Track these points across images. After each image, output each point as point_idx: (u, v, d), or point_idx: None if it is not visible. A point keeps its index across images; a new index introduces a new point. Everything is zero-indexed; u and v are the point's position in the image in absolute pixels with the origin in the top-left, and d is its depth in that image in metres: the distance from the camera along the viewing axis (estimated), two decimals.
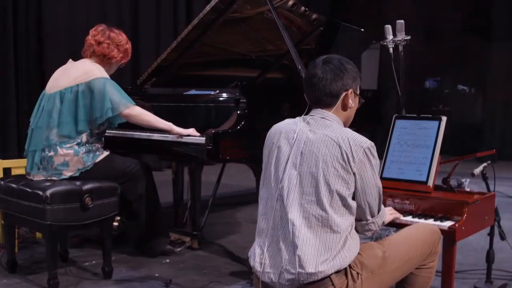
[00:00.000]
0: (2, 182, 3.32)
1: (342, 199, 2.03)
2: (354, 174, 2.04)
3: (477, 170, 2.88)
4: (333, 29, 4.83)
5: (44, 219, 3.02)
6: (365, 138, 2.09)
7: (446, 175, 2.74)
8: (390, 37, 3.98)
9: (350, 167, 2.03)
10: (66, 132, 3.27)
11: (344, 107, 2.20)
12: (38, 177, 3.28)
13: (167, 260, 3.64)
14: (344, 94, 2.17)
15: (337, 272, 2.00)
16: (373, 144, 2.09)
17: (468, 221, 2.47)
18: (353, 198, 2.07)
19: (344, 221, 2.03)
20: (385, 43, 4.01)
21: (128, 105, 3.34)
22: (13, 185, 3.24)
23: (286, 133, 2.16)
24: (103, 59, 3.49)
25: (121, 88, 3.41)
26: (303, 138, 2.11)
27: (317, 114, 2.17)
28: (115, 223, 4.02)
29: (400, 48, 3.98)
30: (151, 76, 4.47)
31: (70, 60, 3.57)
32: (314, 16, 4.64)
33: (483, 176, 2.92)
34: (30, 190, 3.10)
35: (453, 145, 8.42)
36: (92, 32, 3.55)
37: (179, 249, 3.76)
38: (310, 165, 2.06)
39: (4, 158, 4.12)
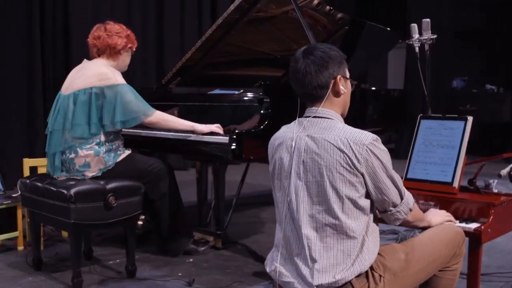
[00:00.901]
0: (28, 181, 3.36)
1: (353, 202, 1.97)
2: (362, 175, 1.97)
3: (504, 171, 2.82)
4: (358, 28, 4.79)
5: (68, 218, 3.05)
6: (365, 133, 1.98)
7: (472, 176, 2.70)
8: (416, 36, 3.94)
9: (357, 169, 1.95)
10: (79, 134, 3.26)
11: (336, 94, 2.08)
12: (60, 177, 3.31)
13: (191, 260, 3.65)
14: (332, 82, 2.06)
15: (358, 276, 1.97)
16: (375, 136, 1.99)
17: (494, 223, 2.42)
18: (367, 197, 2.01)
19: (359, 223, 1.99)
20: (411, 42, 3.97)
21: (147, 113, 3.33)
22: (39, 184, 3.27)
23: (284, 142, 2.10)
24: (111, 52, 3.46)
25: (138, 94, 3.39)
26: (302, 146, 2.04)
27: (311, 113, 2.08)
28: (140, 222, 4.06)
29: (426, 47, 3.93)
30: (175, 75, 4.49)
31: (85, 59, 3.56)
32: (339, 15, 4.60)
33: (510, 177, 2.87)
34: (54, 189, 3.13)
35: (481, 145, 8.35)
36: (89, 35, 3.54)
37: (202, 249, 3.76)
38: (314, 174, 2.00)
39: (32, 157, 4.17)
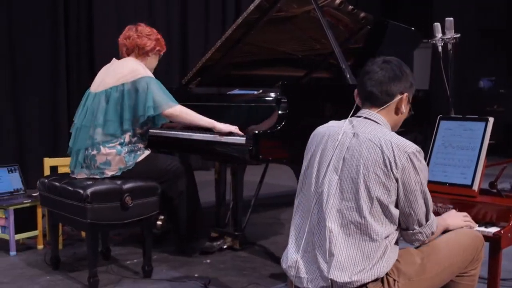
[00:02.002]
0: (46, 180, 3.38)
1: (383, 206, 1.95)
2: (396, 180, 1.95)
3: None
4: (382, 28, 4.74)
5: (84, 218, 3.05)
6: (411, 143, 2.00)
7: (494, 179, 2.63)
8: (439, 35, 3.88)
9: (393, 173, 1.94)
10: (112, 131, 3.30)
11: (396, 110, 2.14)
12: (80, 175, 3.33)
13: (208, 261, 3.63)
14: (399, 97, 2.11)
15: (374, 280, 1.94)
16: (419, 149, 2.00)
17: None
18: (396, 206, 1.98)
19: (384, 229, 1.96)
20: (434, 41, 3.91)
21: (170, 104, 3.35)
22: (56, 183, 3.29)
23: (331, 136, 2.10)
24: (139, 52, 3.51)
25: (165, 88, 3.43)
26: (346, 143, 2.05)
27: (364, 114, 2.11)
28: (159, 222, 4.06)
29: (449, 46, 3.86)
30: (196, 76, 4.48)
31: (114, 59, 3.60)
32: (362, 14, 4.56)
33: None
34: (71, 189, 3.14)
35: (508, 146, 8.20)
36: (121, 35, 3.60)
37: (217, 243, 3.74)
38: (351, 170, 1.99)
39: (54, 157, 4.19)
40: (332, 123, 2.18)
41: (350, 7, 4.40)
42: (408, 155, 1.95)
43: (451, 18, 3.86)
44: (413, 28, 5.09)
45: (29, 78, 6.03)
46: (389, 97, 2.10)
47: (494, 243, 2.33)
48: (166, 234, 4.07)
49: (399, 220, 2.02)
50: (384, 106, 2.11)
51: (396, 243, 2.03)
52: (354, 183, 1.97)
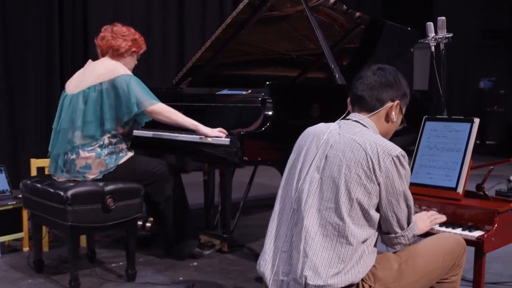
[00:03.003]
0: (29, 182, 3.33)
1: (363, 209, 1.90)
2: (378, 184, 1.90)
3: None
4: (378, 27, 4.69)
5: (65, 220, 3.00)
6: (397, 146, 1.95)
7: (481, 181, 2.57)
8: (431, 34, 3.82)
9: (375, 175, 1.89)
10: (91, 132, 3.23)
11: (387, 118, 2.10)
12: (61, 178, 3.27)
13: (195, 263, 3.57)
14: (390, 104, 2.08)
15: (348, 286, 1.87)
16: (404, 153, 1.95)
17: (499, 232, 2.28)
18: (377, 210, 1.93)
19: (363, 232, 1.90)
20: (427, 41, 3.85)
21: (152, 101, 3.27)
22: (38, 185, 3.24)
23: (316, 136, 2.06)
24: (113, 54, 3.42)
25: (145, 86, 3.35)
26: (330, 142, 2.01)
27: (353, 117, 2.07)
28: (148, 224, 4.00)
29: (442, 46, 3.80)
30: (186, 75, 4.43)
31: (90, 60, 3.54)
32: (357, 14, 4.51)
33: None
34: (52, 191, 3.09)
35: (509, 147, 8.11)
36: (98, 36, 3.51)
37: (207, 252, 3.69)
38: (333, 169, 1.95)
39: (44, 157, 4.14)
40: (321, 125, 2.14)
41: (345, 7, 4.35)
42: (392, 158, 1.91)
43: (443, 18, 3.80)
44: (409, 28, 5.03)
45: (24, 79, 5.99)
46: (379, 103, 2.07)
47: (478, 247, 2.26)
48: (156, 236, 4.01)
49: (379, 223, 1.97)
50: (374, 112, 2.08)
51: (374, 247, 1.97)
52: (335, 183, 1.92)
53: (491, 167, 2.60)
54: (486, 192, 2.58)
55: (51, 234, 3.90)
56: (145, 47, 3.59)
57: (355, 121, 2.06)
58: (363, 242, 1.90)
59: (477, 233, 2.27)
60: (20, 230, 3.78)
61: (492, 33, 8.80)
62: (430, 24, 3.84)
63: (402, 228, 1.98)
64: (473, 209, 2.38)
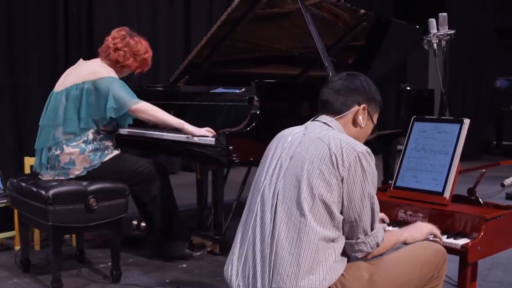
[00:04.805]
0: (15, 181, 3.29)
1: (326, 206, 1.79)
2: (342, 180, 1.80)
3: (509, 180, 2.55)
4: (385, 25, 4.58)
5: (46, 220, 2.94)
6: (362, 144, 1.87)
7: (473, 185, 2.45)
8: (433, 31, 3.70)
9: (338, 171, 1.80)
10: (71, 129, 3.19)
11: (354, 123, 2.04)
12: (46, 176, 3.22)
13: (184, 265, 3.49)
14: (356, 107, 2.02)
15: None
16: (370, 151, 1.86)
17: (486, 240, 2.16)
18: (341, 212, 1.83)
19: (327, 232, 1.78)
20: (429, 38, 3.73)
21: (135, 101, 3.21)
22: (23, 184, 3.19)
23: (284, 138, 1.99)
24: (116, 65, 3.36)
25: (128, 87, 3.28)
26: (295, 142, 1.93)
27: (321, 119, 2.01)
28: (143, 224, 3.93)
29: (443, 43, 3.68)
30: (183, 74, 4.35)
31: (81, 59, 3.49)
32: (362, 11, 4.40)
33: None
34: (35, 190, 3.04)
35: None
36: (113, 33, 3.43)
37: (197, 254, 3.60)
38: (296, 167, 1.86)
39: None
40: (289, 128, 2.07)
41: (348, 4, 4.25)
42: (356, 153, 1.82)
43: (445, 14, 3.68)
44: (417, 26, 4.92)
45: (28, 78, 5.95)
46: (345, 106, 2.02)
47: (462, 256, 2.14)
48: (147, 236, 3.95)
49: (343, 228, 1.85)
50: (341, 115, 2.01)
51: (344, 256, 1.86)
52: (297, 180, 1.84)
53: (483, 170, 2.48)
54: (478, 197, 2.46)
55: (43, 233, 3.85)
56: (148, 67, 3.52)
57: (323, 122, 2.00)
58: (328, 242, 1.79)
59: (462, 241, 2.16)
60: (12, 229, 3.74)
61: (508, 32, 8.59)
62: (432, 21, 3.72)
63: (365, 234, 1.86)
64: (459, 215, 2.26)
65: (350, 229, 1.85)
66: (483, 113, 8.42)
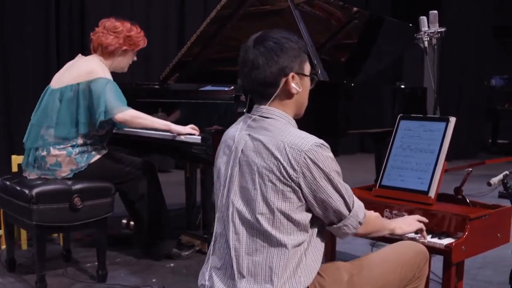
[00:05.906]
0: (0, 179, 3.25)
1: (287, 216, 1.70)
2: (299, 186, 1.69)
3: (495, 179, 2.50)
4: (378, 23, 4.54)
5: (30, 219, 2.91)
6: (308, 138, 1.71)
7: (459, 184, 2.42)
8: (424, 29, 3.67)
9: (291, 179, 1.68)
10: (64, 134, 3.14)
11: (288, 94, 1.80)
12: (32, 175, 3.19)
13: (172, 265, 3.47)
14: (283, 80, 1.78)
15: None
16: (319, 142, 1.71)
17: (470, 239, 2.12)
18: (308, 211, 1.74)
19: (294, 239, 1.71)
20: (420, 36, 3.71)
21: (121, 109, 3.12)
22: (7, 183, 3.16)
23: (227, 141, 1.87)
24: (103, 51, 3.30)
25: (120, 91, 3.22)
26: (240, 145, 1.79)
27: (256, 112, 1.82)
28: (132, 223, 3.90)
29: (434, 41, 3.65)
30: (173, 71, 4.31)
31: (80, 55, 3.44)
32: (354, 9, 4.37)
33: (505, 186, 2.55)
34: (19, 188, 3.01)
35: None
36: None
37: (186, 253, 3.57)
38: (247, 179, 1.74)
39: None
40: (233, 125, 1.92)
41: (341, 2, 4.22)
42: (305, 154, 1.68)
43: (435, 11, 3.66)
44: (410, 25, 4.88)
45: (20, 75, 5.91)
46: (271, 88, 1.79)
47: (446, 256, 2.11)
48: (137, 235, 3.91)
49: (320, 219, 1.78)
50: (272, 98, 1.79)
51: (315, 252, 1.78)
52: (254, 194, 1.73)
53: (470, 169, 2.44)
54: (465, 196, 2.43)
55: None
56: (143, 44, 3.43)
57: (261, 116, 1.80)
58: (297, 248, 1.72)
59: (446, 241, 2.12)
60: None
61: (504, 30, 8.55)
62: (423, 19, 3.70)
63: (344, 217, 1.77)
64: (444, 215, 2.22)
65: (327, 219, 1.78)
66: (479, 112, 8.39)
